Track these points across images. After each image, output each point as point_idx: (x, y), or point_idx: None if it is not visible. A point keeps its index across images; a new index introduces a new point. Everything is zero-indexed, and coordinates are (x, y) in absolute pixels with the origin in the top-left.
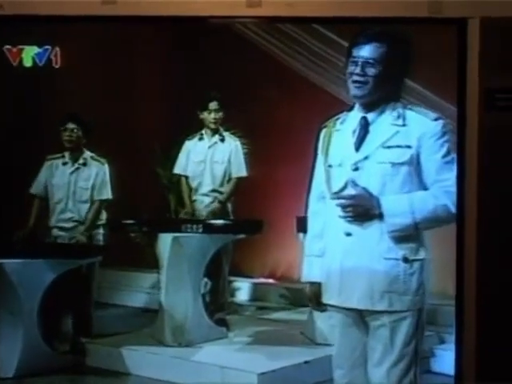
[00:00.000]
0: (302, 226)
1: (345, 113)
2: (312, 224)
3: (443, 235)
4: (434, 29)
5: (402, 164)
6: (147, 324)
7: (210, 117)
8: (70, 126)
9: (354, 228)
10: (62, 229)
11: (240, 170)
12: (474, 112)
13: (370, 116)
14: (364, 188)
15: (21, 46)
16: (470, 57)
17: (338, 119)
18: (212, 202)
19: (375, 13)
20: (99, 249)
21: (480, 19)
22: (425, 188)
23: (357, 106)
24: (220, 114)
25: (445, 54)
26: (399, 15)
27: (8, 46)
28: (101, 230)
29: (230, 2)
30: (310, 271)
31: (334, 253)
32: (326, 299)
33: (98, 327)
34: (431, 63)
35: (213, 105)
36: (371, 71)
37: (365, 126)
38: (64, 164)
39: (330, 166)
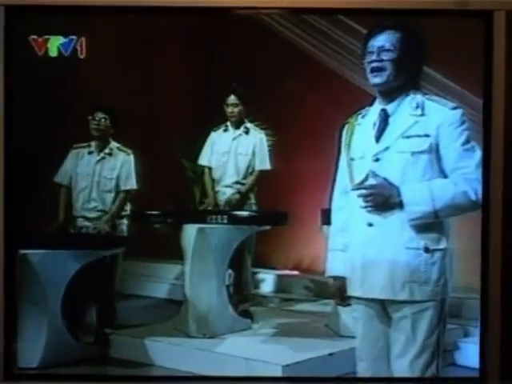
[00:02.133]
0: (327, 218)
1: (367, 108)
2: (335, 219)
3: (468, 228)
4: (460, 21)
5: (422, 152)
6: (171, 315)
7: (228, 110)
8: (99, 115)
9: (375, 218)
10: (86, 218)
11: (263, 163)
12: (500, 104)
13: (390, 108)
14: (384, 178)
15: (46, 36)
16: (496, 49)
17: (359, 114)
18: (234, 194)
19: (401, 5)
20: (123, 239)
21: (506, 12)
22: (445, 176)
23: (377, 99)
24: (239, 107)
25: (471, 46)
26: (425, 7)
27: (34, 36)
28: (125, 221)
29: None
30: (334, 266)
31: (357, 244)
32: (350, 291)
33: (123, 318)
34: (457, 56)
35: (230, 99)
36: (388, 56)
37: (385, 118)
38: (90, 153)
39: (352, 159)
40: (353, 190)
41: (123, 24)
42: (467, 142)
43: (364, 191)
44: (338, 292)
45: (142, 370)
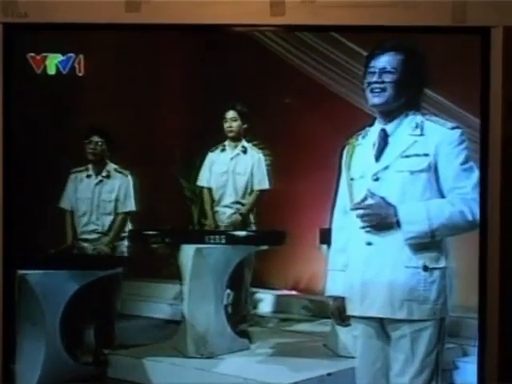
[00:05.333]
0: (325, 237)
1: (367, 128)
2: (336, 238)
3: (466, 246)
4: (457, 38)
5: (421, 171)
6: (170, 335)
7: (226, 125)
8: (95, 139)
9: (374, 237)
10: (85, 240)
11: (262, 183)
12: (497, 121)
13: (389, 127)
14: (382, 197)
15: (44, 54)
16: (493, 66)
17: (359, 135)
18: (234, 214)
19: (398, 22)
20: (122, 260)
21: (503, 28)
22: (443, 196)
23: (377, 119)
24: (238, 122)
25: (468, 63)
26: (422, 24)
27: (32, 54)
28: (125, 242)
29: (253, 11)
30: (334, 286)
31: (356, 263)
32: (350, 311)
33: (121, 338)
34: (454, 73)
35: (229, 114)
36: (389, 78)
37: (384, 138)
38: (88, 177)
39: (352, 179)
40: (351, 210)
41: (121, 42)
42: (466, 161)
43: (361, 211)
44: (338, 312)
45: None
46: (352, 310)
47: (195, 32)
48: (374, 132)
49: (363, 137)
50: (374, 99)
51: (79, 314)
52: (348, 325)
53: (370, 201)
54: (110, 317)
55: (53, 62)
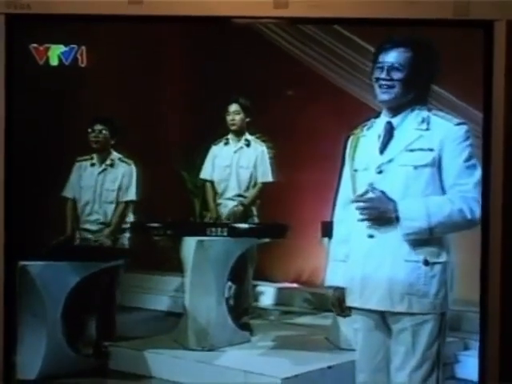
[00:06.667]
0: (327, 230)
1: (372, 119)
2: (337, 230)
3: (468, 241)
4: (460, 31)
5: (425, 166)
6: (171, 328)
7: (229, 118)
8: (98, 127)
9: (376, 231)
10: (87, 231)
11: (265, 176)
12: (500, 115)
13: (395, 121)
14: (382, 191)
15: (47, 45)
16: (496, 60)
17: (364, 126)
18: (236, 206)
19: (400, 15)
20: (124, 252)
21: (506, 22)
22: (445, 192)
23: (383, 112)
24: (240, 115)
25: (470, 56)
26: (424, 17)
27: (34, 45)
28: (127, 234)
29: (257, 3)
30: (334, 276)
31: (357, 255)
32: (349, 302)
33: (122, 330)
34: (456, 66)
35: (232, 107)
36: (397, 75)
37: (390, 131)
38: (92, 165)
39: (355, 170)
40: (352, 202)
41: (124, 33)
42: (469, 158)
43: (361, 204)
44: (338, 302)
45: (142, 382)
46: (352, 301)
47: (198, 24)
48: (379, 124)
49: (368, 128)
50: (383, 95)
51: (80, 305)
52: (348, 315)
53: (370, 194)
54: (111, 309)
55: (55, 53)
